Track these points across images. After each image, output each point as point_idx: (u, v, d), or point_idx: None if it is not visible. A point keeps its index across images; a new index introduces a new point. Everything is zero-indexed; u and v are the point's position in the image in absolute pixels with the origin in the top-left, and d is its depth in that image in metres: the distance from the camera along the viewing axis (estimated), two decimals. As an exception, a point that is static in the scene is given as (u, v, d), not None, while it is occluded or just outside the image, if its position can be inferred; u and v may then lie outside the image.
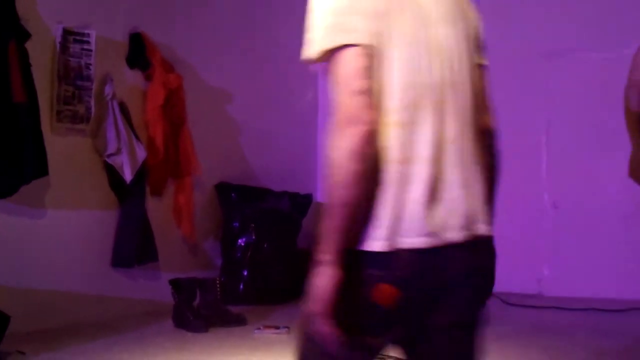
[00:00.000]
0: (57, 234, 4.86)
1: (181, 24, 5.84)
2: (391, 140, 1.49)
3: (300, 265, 5.01)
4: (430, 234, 1.49)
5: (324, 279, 1.45)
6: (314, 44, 1.50)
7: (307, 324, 1.51)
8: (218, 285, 5.09)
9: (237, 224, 5.93)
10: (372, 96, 1.46)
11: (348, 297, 1.46)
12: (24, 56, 4.49)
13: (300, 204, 6.35)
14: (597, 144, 6.03)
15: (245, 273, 5.83)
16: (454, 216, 1.54)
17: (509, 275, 6.25)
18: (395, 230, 1.47)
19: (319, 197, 6.83)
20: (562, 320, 5.16)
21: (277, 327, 4.74)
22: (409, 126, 1.50)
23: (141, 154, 5.27)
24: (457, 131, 1.57)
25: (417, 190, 1.49)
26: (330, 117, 1.47)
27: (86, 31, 5.02)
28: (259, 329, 4.75)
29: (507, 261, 6.85)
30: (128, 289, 5.33)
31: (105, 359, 4.05)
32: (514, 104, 6.42)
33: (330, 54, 1.48)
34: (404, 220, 1.48)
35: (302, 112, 7.04)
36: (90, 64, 5.05)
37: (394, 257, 1.47)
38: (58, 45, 4.85)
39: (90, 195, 5.13)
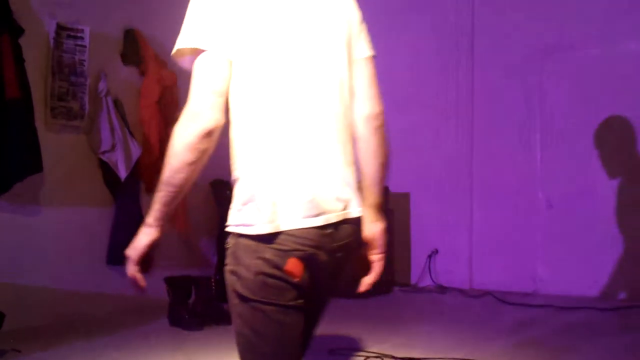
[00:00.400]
0: (51, 231, 4.84)
1: (175, 21, 5.81)
2: (260, 139, 1.70)
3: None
4: (309, 217, 1.71)
5: (144, 236, 1.79)
6: (178, 42, 1.72)
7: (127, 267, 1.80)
8: (213, 283, 5.07)
9: (232, 222, 5.92)
10: (221, 98, 1.68)
11: (240, 271, 1.71)
12: (17, 52, 4.47)
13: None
14: (593, 143, 6.03)
15: (240, 271, 5.82)
16: (328, 201, 1.75)
17: (505, 274, 6.29)
18: (277, 214, 1.68)
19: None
20: (557, 319, 5.16)
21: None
22: (275, 125, 1.70)
23: (136, 150, 5.25)
24: (324, 127, 1.76)
25: (290, 181, 1.70)
26: (184, 108, 1.68)
27: (80, 27, 5.00)
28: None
29: (502, 260, 6.89)
30: (123, 286, 5.28)
31: (99, 356, 4.04)
32: (509, 101, 6.43)
33: (192, 53, 1.70)
34: (284, 205, 1.69)
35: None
36: (84, 60, 5.03)
37: (279, 238, 1.69)
38: (52, 41, 4.83)
39: (84, 192, 5.11)
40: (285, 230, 1.68)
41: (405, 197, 6.81)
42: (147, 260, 1.83)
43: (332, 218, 1.75)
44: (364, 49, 1.89)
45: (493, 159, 6.47)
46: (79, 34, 4.99)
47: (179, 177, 1.70)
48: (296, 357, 1.80)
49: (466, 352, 4.02)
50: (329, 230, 1.75)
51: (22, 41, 4.52)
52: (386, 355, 3.89)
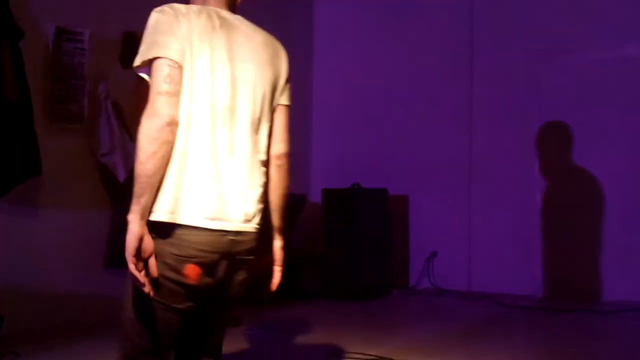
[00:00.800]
0: (50, 233, 4.83)
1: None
2: (185, 138, 1.98)
3: (294, 265, 5.01)
4: (207, 219, 1.96)
5: (129, 235, 1.92)
6: (138, 56, 2.04)
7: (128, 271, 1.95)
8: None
9: (230, 224, 5.91)
10: (174, 97, 1.97)
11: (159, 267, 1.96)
12: (17, 55, 4.47)
13: (294, 204, 6.33)
14: (591, 144, 6.04)
15: (239, 273, 5.81)
16: (230, 211, 2.02)
17: (503, 276, 6.29)
18: (177, 208, 1.94)
19: (313, 197, 6.82)
20: (555, 322, 5.17)
21: (270, 328, 4.73)
22: (200, 131, 1.99)
23: (134, 153, 5.25)
24: (237, 146, 2.06)
25: (198, 185, 1.97)
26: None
27: (79, 30, 5.01)
28: (252, 329, 4.74)
29: (501, 262, 6.89)
30: (121, 289, 5.29)
31: (98, 359, 4.04)
32: (508, 103, 6.44)
33: (149, 64, 2.01)
34: (186, 202, 1.95)
35: (295, 112, 7.02)
36: (83, 63, 5.04)
37: (179, 240, 1.95)
38: (51, 44, 4.83)
39: (83, 195, 5.10)
40: (183, 225, 1.94)
41: (404, 199, 6.82)
42: (148, 261, 1.95)
43: (231, 227, 2.02)
44: (284, 99, 2.27)
45: (492, 161, 6.48)
46: (78, 37, 5.00)
47: (147, 168, 1.92)
48: (168, 348, 2.10)
49: (464, 355, 4.03)
50: (228, 237, 2.02)
51: (22, 44, 4.52)
52: (384, 358, 3.90)
